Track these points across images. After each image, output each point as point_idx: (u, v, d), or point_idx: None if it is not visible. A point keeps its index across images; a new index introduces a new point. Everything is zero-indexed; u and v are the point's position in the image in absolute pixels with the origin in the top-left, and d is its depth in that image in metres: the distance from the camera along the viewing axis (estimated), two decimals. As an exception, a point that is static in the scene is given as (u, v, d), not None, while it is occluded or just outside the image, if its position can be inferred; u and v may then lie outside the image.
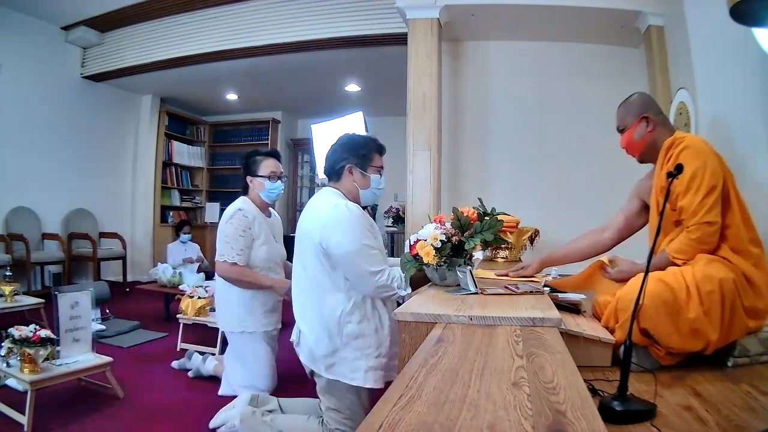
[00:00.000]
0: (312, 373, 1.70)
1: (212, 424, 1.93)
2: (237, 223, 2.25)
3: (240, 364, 2.33)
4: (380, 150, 1.84)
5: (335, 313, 1.62)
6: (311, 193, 6.41)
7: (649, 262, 1.24)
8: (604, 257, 1.70)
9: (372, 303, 1.68)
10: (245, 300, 2.28)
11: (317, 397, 1.78)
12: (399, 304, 1.59)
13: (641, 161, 1.71)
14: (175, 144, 6.73)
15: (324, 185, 1.86)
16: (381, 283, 1.63)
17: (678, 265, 1.46)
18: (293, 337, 1.78)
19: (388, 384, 1.62)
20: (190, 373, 2.69)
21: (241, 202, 2.37)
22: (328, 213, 1.64)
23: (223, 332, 2.63)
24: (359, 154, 1.78)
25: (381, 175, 1.83)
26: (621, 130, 1.70)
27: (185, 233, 4.92)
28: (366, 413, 1.48)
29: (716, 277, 1.35)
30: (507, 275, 1.93)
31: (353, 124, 4.54)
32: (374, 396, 1.61)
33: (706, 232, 1.43)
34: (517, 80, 4.15)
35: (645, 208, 1.79)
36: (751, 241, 1.46)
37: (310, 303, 1.67)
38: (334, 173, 1.79)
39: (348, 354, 1.61)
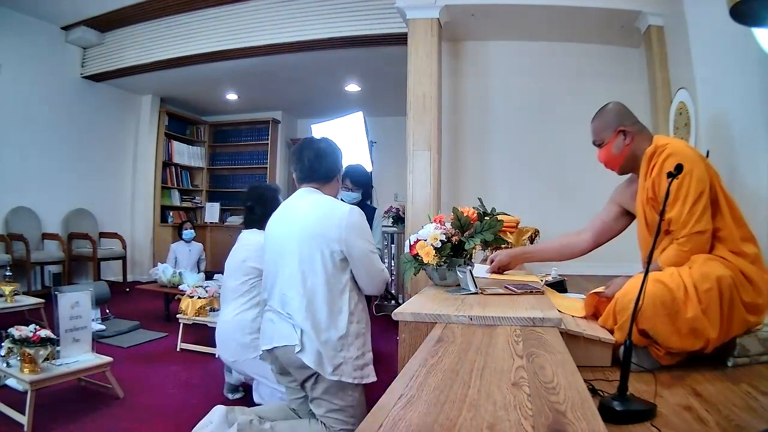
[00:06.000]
0: (308, 377, 1.63)
1: None
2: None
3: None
4: None
5: (343, 313, 1.64)
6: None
7: (647, 269, 1.19)
8: (600, 288, 1.63)
9: (363, 303, 1.75)
10: None
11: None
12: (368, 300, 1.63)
13: (621, 173, 1.70)
14: (175, 144, 6.73)
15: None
16: (386, 275, 1.76)
17: None
18: (293, 342, 1.62)
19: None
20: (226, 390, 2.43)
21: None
22: (345, 215, 1.66)
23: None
24: (342, 167, 1.93)
25: None
26: (598, 145, 1.66)
27: (187, 229, 4.90)
28: (367, 410, 1.47)
29: (714, 274, 1.34)
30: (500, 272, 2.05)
31: (353, 124, 4.53)
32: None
33: (698, 242, 1.42)
34: (517, 80, 4.15)
35: (623, 213, 1.79)
36: (744, 239, 1.45)
37: (319, 304, 1.63)
38: (326, 177, 1.82)
39: (352, 353, 1.64)
